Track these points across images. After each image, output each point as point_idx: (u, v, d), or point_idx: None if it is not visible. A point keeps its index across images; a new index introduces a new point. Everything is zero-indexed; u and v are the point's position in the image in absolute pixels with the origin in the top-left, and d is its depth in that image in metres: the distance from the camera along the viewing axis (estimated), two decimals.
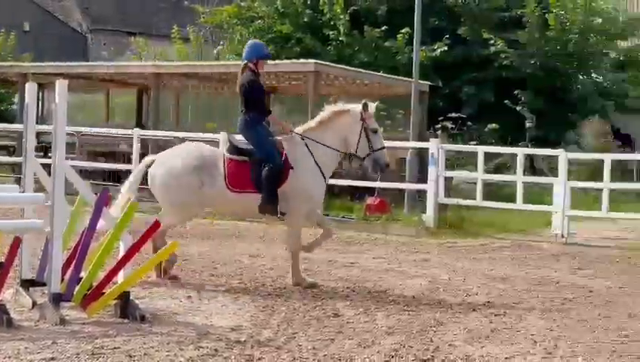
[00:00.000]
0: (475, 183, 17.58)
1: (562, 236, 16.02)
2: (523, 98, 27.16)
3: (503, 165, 24.28)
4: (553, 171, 19.94)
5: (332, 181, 19.22)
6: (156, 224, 8.76)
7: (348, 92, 25.99)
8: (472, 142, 23.45)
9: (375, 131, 10.84)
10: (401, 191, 19.26)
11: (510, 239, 16.28)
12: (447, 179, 18.07)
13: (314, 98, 20.85)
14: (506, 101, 26.87)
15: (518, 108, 26.51)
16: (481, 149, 18.26)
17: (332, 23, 29.04)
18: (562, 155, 16.86)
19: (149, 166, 10.72)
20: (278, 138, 10.83)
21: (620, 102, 29.68)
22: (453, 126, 25.94)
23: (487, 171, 19.84)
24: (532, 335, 8.45)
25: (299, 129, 10.92)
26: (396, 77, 24.58)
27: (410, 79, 20.94)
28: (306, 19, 29.87)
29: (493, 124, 26.62)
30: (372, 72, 24.79)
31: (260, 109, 10.78)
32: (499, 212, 17.91)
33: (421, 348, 7.73)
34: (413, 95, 20.53)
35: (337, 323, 8.64)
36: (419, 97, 21.24)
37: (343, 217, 17.81)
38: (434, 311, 9.45)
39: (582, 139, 28.12)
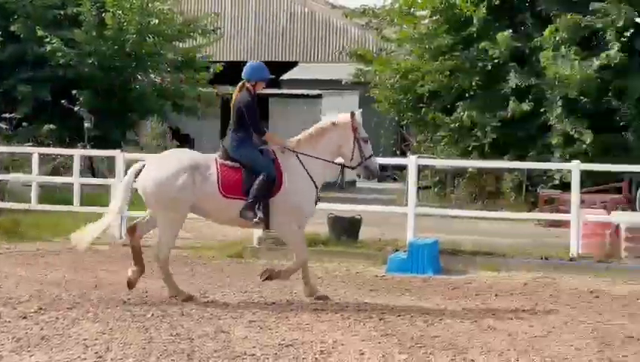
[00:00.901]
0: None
1: (120, 237, 15.90)
2: (81, 98, 26.76)
3: (63, 166, 23.75)
4: (112, 172, 19.79)
5: None
6: None
7: None
8: (28, 144, 22.75)
9: (366, 140, 11.10)
10: None
11: (68, 242, 15.88)
12: (1, 182, 17.35)
13: None
14: (62, 101, 26.29)
15: (75, 108, 26.04)
16: (36, 151, 17.88)
17: None
18: (119, 156, 16.83)
19: (139, 171, 10.77)
20: (272, 148, 10.89)
21: (178, 102, 30.24)
22: (8, 127, 25.01)
23: (45, 173, 19.39)
24: (84, 340, 8.29)
25: (293, 143, 10.97)
26: None
27: None
28: None
29: (51, 125, 26.01)
30: None
31: (254, 130, 10.85)
32: (57, 215, 17.41)
33: None
34: None
35: None
36: None
37: None
38: None
39: (140, 139, 28.26)
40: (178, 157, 10.89)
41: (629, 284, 12.80)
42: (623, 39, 22.57)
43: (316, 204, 11.12)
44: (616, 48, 22.19)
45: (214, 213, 11.00)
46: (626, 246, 14.89)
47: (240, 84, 10.99)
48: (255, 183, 10.52)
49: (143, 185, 10.71)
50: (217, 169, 10.65)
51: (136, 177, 10.83)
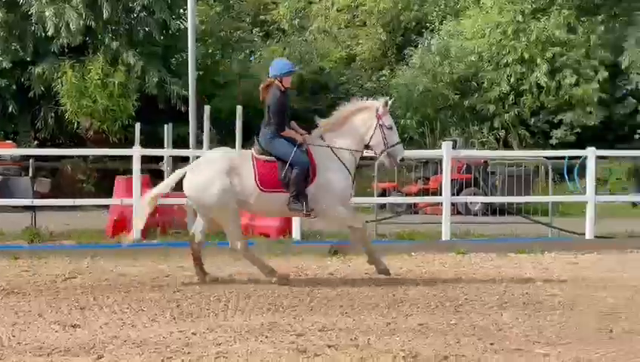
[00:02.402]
0: None
1: None
2: None
3: None
4: None
5: None
6: None
7: None
8: None
9: (390, 128, 11.30)
10: None
11: None
12: None
13: None
14: None
15: None
16: None
17: None
18: None
19: (181, 177, 11.23)
20: (303, 140, 11.18)
21: None
22: None
23: None
24: None
25: (319, 129, 11.40)
26: None
27: None
28: None
29: None
30: None
31: (280, 124, 11.13)
32: None
33: None
34: None
35: None
36: None
37: None
38: None
39: None
40: (214, 162, 11.21)
41: None
42: None
43: (353, 187, 11.57)
44: None
45: (260, 208, 11.46)
46: None
47: (267, 81, 11.31)
48: (292, 176, 10.95)
49: (188, 194, 11.30)
50: (254, 165, 11.08)
51: (178, 182, 11.31)
